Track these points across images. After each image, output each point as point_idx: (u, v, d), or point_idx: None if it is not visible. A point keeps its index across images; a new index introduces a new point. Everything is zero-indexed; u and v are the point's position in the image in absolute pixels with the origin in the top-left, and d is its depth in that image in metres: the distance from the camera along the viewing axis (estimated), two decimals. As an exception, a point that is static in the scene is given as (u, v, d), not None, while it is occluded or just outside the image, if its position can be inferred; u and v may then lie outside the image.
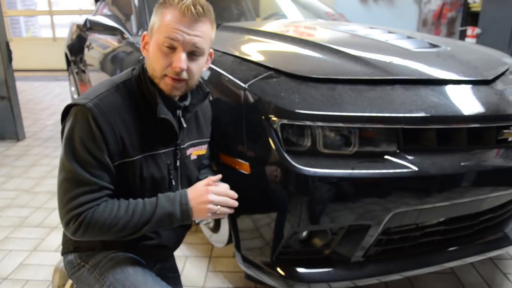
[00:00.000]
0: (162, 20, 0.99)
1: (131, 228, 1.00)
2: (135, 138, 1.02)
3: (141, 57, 1.09)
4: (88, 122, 0.96)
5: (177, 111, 1.10)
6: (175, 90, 1.04)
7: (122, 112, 1.01)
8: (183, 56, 0.99)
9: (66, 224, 0.98)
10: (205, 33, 1.02)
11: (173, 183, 1.13)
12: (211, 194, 1.05)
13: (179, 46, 0.99)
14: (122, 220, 0.99)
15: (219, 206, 1.05)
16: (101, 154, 0.97)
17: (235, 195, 1.10)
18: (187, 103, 1.12)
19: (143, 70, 1.06)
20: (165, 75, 1.01)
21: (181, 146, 1.14)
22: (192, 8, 0.98)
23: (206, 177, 1.15)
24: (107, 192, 1.01)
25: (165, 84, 1.03)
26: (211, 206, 1.04)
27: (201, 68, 1.07)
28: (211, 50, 1.12)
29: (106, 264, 1.09)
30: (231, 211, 1.10)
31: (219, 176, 1.13)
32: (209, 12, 1.03)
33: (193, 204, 1.04)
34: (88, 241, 1.11)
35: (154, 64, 1.01)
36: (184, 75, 1.02)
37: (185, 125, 1.12)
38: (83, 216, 0.97)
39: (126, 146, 1.01)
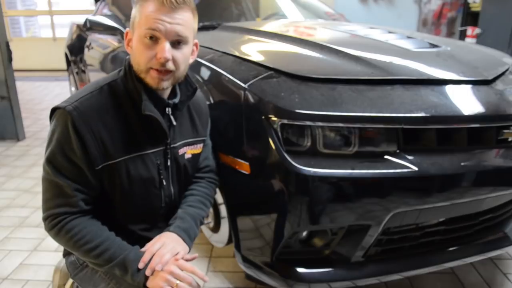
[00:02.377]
0: (142, 13, 0.98)
1: (91, 257, 1.00)
2: (119, 140, 1.01)
3: (127, 57, 1.08)
4: (67, 125, 0.96)
5: (167, 109, 1.09)
6: (162, 82, 1.01)
7: (103, 114, 1.00)
8: (167, 45, 0.97)
9: (44, 219, 1.02)
10: (186, 21, 1.00)
11: (164, 183, 1.12)
12: (174, 267, 0.98)
13: (161, 37, 0.97)
14: (87, 246, 0.99)
15: (178, 282, 0.97)
16: (77, 158, 0.98)
17: (203, 277, 1.02)
18: (176, 100, 1.10)
19: (129, 68, 1.04)
20: (150, 68, 0.99)
21: (172, 145, 1.12)
22: (173, 4, 0.96)
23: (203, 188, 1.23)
24: (82, 196, 1.01)
25: (151, 78, 1.00)
26: (169, 277, 0.97)
27: (187, 58, 1.05)
28: (196, 41, 1.09)
29: None
30: None
31: (196, 255, 1.09)
32: (189, 1, 1.00)
33: (151, 270, 0.98)
34: None
35: (138, 58, 1.00)
36: (170, 65, 0.99)
37: (175, 123, 1.10)
38: (59, 220, 1.00)
39: (108, 149, 1.00)
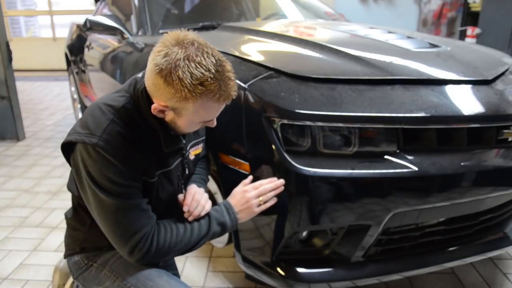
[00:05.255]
0: (198, 109, 0.94)
1: (192, 243, 1.06)
2: (149, 160, 1.02)
3: (138, 77, 1.04)
4: (105, 158, 0.93)
5: None
6: None
7: (130, 138, 0.98)
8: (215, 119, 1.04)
9: (130, 252, 0.98)
10: None
11: (182, 191, 1.15)
12: (249, 192, 1.14)
13: None
14: (185, 238, 1.05)
15: (260, 198, 1.14)
16: (129, 180, 0.97)
17: (272, 184, 1.16)
18: None
19: (143, 99, 0.99)
20: None
21: (186, 154, 1.16)
22: (232, 96, 0.96)
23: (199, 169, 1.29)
24: (150, 208, 1.02)
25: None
26: (253, 201, 1.13)
27: None
28: None
29: (116, 261, 1.10)
30: (273, 200, 1.17)
31: (250, 177, 1.21)
32: None
33: (238, 209, 1.14)
34: (95, 241, 1.11)
35: (186, 130, 1.03)
36: None
37: (184, 141, 1.13)
38: (152, 237, 0.99)
39: (145, 168, 1.00)
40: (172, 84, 0.88)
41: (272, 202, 1.17)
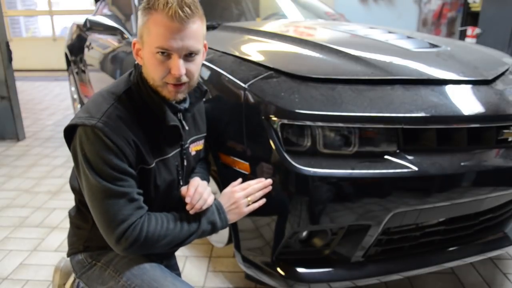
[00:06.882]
0: (150, 28, 0.96)
1: (182, 238, 1.06)
2: (147, 146, 1.02)
3: (136, 62, 1.08)
4: (103, 140, 0.94)
5: (178, 114, 1.11)
6: (178, 94, 1.04)
7: (130, 123, 0.99)
8: (180, 62, 0.98)
9: (117, 240, 0.98)
10: (196, 33, 0.99)
11: (181, 183, 1.15)
12: (238, 193, 1.16)
13: (174, 53, 0.97)
14: (175, 232, 1.04)
15: (249, 198, 1.16)
16: (125, 165, 0.97)
17: (260, 184, 1.18)
18: (186, 105, 1.13)
19: (142, 78, 1.04)
20: (166, 83, 1.01)
21: (185, 146, 1.15)
22: (180, 11, 0.94)
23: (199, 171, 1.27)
24: (142, 198, 1.02)
25: (168, 92, 1.02)
26: (242, 202, 1.15)
27: (200, 66, 1.06)
28: (205, 42, 1.08)
29: (120, 261, 1.10)
30: (262, 200, 1.18)
31: (240, 180, 1.23)
32: (197, 9, 0.98)
33: (227, 210, 1.14)
34: (99, 240, 1.11)
35: (153, 73, 1.00)
36: (184, 78, 1.01)
37: (187, 128, 1.13)
38: (141, 226, 0.98)
39: (142, 155, 1.01)
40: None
41: (261, 202, 1.18)
